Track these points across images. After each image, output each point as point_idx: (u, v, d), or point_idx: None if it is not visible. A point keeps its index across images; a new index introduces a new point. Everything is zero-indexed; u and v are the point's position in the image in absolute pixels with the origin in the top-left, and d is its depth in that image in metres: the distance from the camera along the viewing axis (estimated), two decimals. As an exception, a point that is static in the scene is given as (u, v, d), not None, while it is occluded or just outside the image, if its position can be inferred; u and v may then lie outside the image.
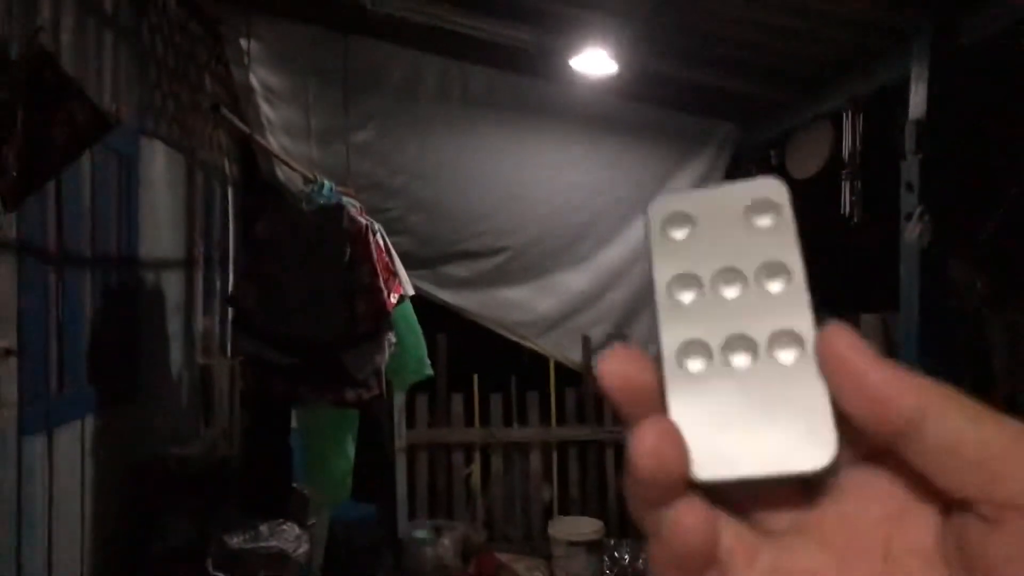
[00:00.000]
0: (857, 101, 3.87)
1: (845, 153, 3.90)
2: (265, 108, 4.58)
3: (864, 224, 3.82)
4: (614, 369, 0.35)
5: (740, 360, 0.35)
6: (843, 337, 0.33)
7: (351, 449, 3.66)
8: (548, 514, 5.39)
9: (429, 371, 4.19)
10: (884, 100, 3.67)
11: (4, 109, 2.26)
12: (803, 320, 0.35)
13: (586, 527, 4.97)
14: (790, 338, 0.34)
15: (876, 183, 3.74)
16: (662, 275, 0.37)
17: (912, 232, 3.30)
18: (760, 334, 0.35)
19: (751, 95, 4.71)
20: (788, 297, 0.36)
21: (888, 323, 3.74)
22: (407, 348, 3.87)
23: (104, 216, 3.21)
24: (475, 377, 5.40)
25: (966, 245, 3.31)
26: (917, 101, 3.34)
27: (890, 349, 3.73)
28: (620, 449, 5.50)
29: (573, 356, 5.48)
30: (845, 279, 4.21)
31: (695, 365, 0.35)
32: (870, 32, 3.60)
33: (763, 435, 0.34)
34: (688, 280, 0.36)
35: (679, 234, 0.37)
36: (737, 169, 5.26)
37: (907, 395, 0.31)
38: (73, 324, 2.97)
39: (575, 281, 5.39)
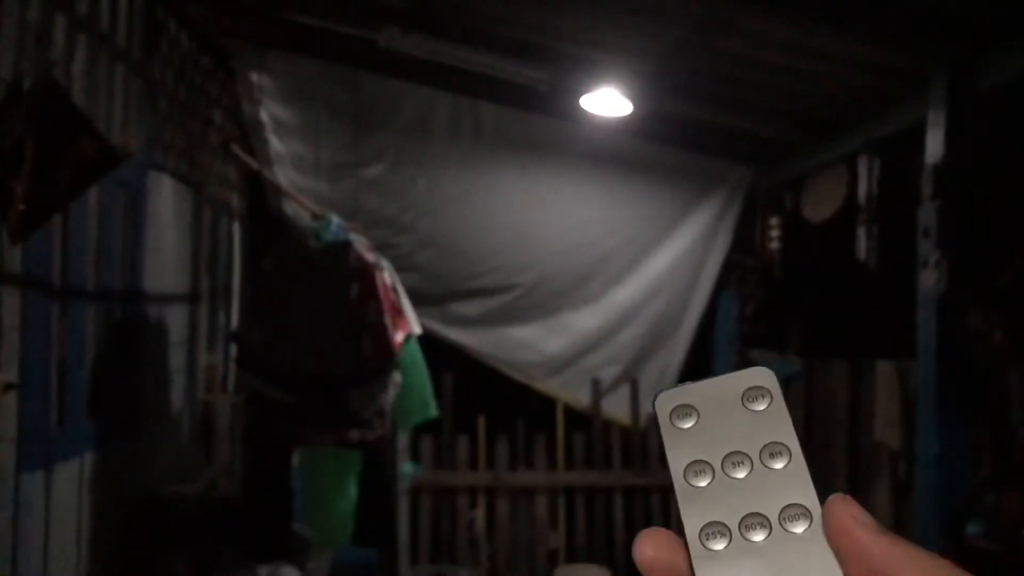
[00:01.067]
0: (873, 145, 3.84)
1: (861, 197, 3.86)
2: (275, 142, 4.58)
3: (880, 269, 3.77)
4: (648, 552, 0.42)
5: (756, 536, 0.39)
6: (845, 509, 0.38)
7: (353, 490, 3.60)
8: (554, 561, 5.29)
9: (434, 412, 4.13)
10: (901, 144, 3.64)
11: (14, 142, 2.23)
12: (807, 493, 0.40)
13: (593, 575, 4.87)
14: (799, 511, 0.39)
15: (893, 228, 3.69)
16: (677, 464, 0.42)
17: (928, 279, 3.24)
18: (771, 510, 0.40)
19: (766, 137, 4.69)
20: (791, 473, 0.41)
21: (905, 371, 3.68)
22: (412, 388, 3.82)
23: (109, 250, 3.18)
24: (481, 418, 5.33)
25: (984, 293, 3.26)
26: (934, 146, 3.31)
27: (906, 397, 3.67)
28: (629, 495, 5.42)
29: (582, 398, 5.42)
30: (861, 325, 4.16)
31: (717, 544, 0.39)
32: (887, 76, 3.57)
33: None
34: (701, 467, 0.41)
35: (686, 424, 0.43)
36: (751, 211, 5.23)
37: (905, 570, 0.36)
38: (75, 358, 2.93)
39: (585, 321, 5.34)
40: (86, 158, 2.43)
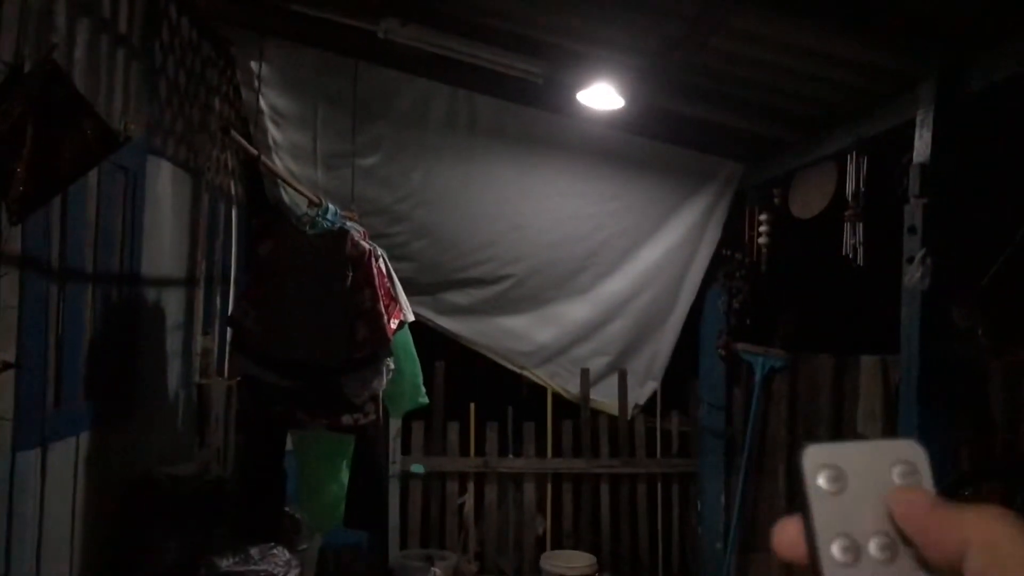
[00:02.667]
0: (862, 143, 3.89)
1: (848, 195, 3.91)
2: (273, 130, 4.61)
3: (866, 266, 3.82)
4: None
5: None
6: (907, 493, 0.41)
7: (345, 475, 3.64)
8: (541, 547, 5.35)
9: (425, 399, 4.17)
10: (889, 143, 3.69)
11: (15, 124, 2.26)
12: None
13: (579, 561, 4.94)
14: None
15: (879, 225, 3.75)
16: (823, 532, 0.41)
17: (913, 275, 3.30)
18: None
19: (756, 134, 4.73)
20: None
21: (888, 366, 3.73)
22: (404, 375, 3.86)
23: (108, 232, 3.22)
24: (472, 406, 5.38)
25: (967, 290, 3.31)
26: (922, 145, 3.36)
27: (889, 392, 3.73)
28: (615, 483, 5.48)
29: (571, 388, 5.47)
30: (847, 320, 4.22)
31: None
32: (877, 76, 3.62)
33: None
34: (847, 542, 0.40)
35: (833, 487, 0.41)
36: (740, 207, 5.28)
37: (954, 531, 0.38)
38: (72, 339, 2.96)
39: (575, 312, 5.39)
40: (86, 141, 2.46)
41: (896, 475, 0.42)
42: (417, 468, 5.21)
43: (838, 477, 0.41)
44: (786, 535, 0.43)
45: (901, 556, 0.40)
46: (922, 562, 0.39)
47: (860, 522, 0.41)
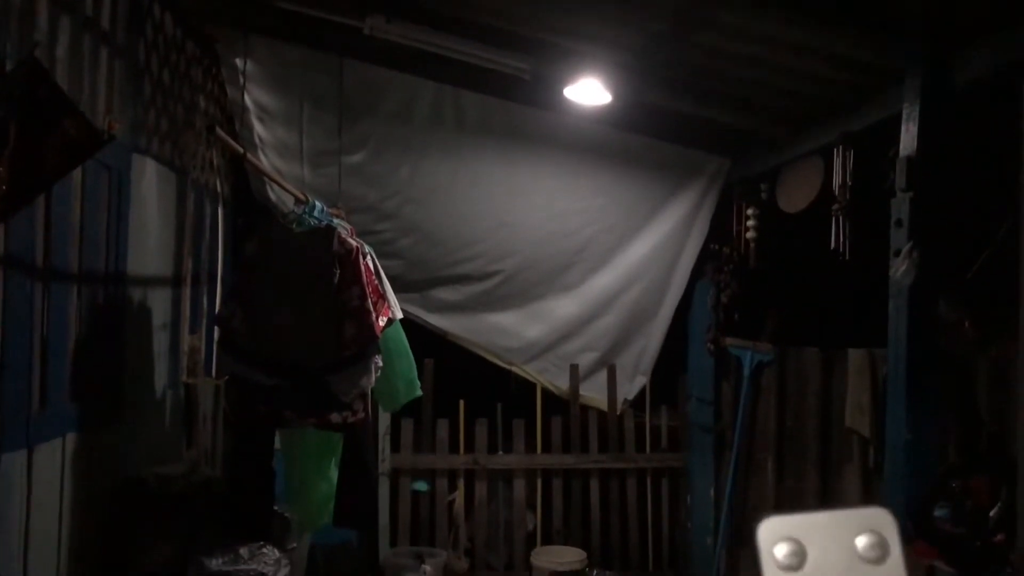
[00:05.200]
0: (848, 138, 3.89)
1: (835, 189, 3.92)
2: (258, 128, 4.59)
3: (853, 260, 3.83)
4: None
5: None
6: None
7: (334, 473, 3.63)
8: (531, 543, 5.35)
9: (419, 392, 4.17)
10: (875, 137, 3.70)
11: (-3, 122, 2.24)
12: None
13: (569, 556, 4.94)
14: None
15: (866, 219, 3.76)
16: None
17: (899, 269, 3.31)
18: None
19: (743, 129, 4.74)
20: None
21: (876, 359, 3.75)
22: (398, 371, 3.86)
23: (93, 232, 3.19)
24: (461, 403, 5.38)
25: (954, 283, 3.32)
26: (908, 139, 3.37)
27: (876, 385, 3.74)
28: (605, 478, 5.49)
29: (560, 383, 5.48)
30: (834, 314, 4.23)
31: None
32: (863, 70, 3.63)
33: None
34: None
35: (791, 562, 0.38)
36: (728, 201, 5.28)
37: None
38: (58, 340, 2.94)
39: (564, 308, 5.39)
40: (69, 140, 2.44)
41: (861, 547, 0.39)
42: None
43: (797, 552, 0.39)
44: None
45: None
46: None
47: None
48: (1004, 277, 2.92)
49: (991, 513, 2.97)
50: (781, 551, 0.39)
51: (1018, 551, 2.71)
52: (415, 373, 4.07)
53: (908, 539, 3.17)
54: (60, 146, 2.43)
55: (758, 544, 0.39)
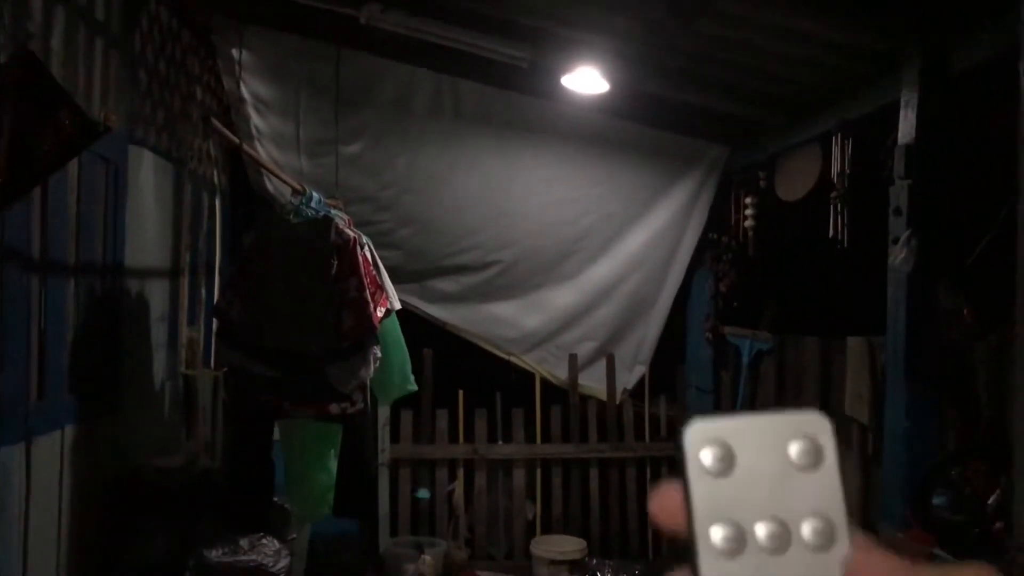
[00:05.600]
0: (847, 125, 3.88)
1: (834, 176, 3.92)
2: (255, 118, 4.57)
3: (852, 247, 3.83)
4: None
5: None
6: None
7: (333, 464, 3.63)
8: (531, 532, 5.36)
9: (413, 386, 4.17)
10: (874, 124, 3.69)
11: (-8, 114, 2.24)
12: None
13: (569, 546, 4.94)
14: None
15: (865, 207, 3.75)
16: (703, 519, 0.36)
17: (897, 256, 3.30)
18: None
19: (741, 117, 4.73)
20: (831, 559, 0.36)
21: (875, 347, 3.75)
22: (392, 363, 3.85)
23: (90, 224, 3.19)
24: (460, 393, 5.37)
25: (953, 271, 3.31)
26: (906, 126, 3.36)
27: (875, 373, 3.74)
28: (604, 467, 5.49)
29: (559, 373, 5.48)
30: (833, 302, 4.22)
31: None
32: (861, 58, 3.62)
33: None
34: (730, 531, 0.36)
35: (718, 467, 0.37)
36: (726, 190, 5.28)
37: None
38: (55, 332, 2.94)
39: (563, 297, 5.39)
40: (65, 131, 2.43)
41: (794, 453, 0.37)
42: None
43: (725, 456, 0.37)
44: (665, 504, 0.38)
45: (794, 545, 0.36)
46: (819, 551, 0.36)
47: (748, 507, 0.36)
48: (1003, 264, 2.91)
49: (989, 500, 2.97)
50: (708, 456, 0.37)
51: (1016, 538, 2.71)
52: (409, 367, 4.06)
53: (906, 526, 3.17)
54: (56, 138, 2.42)
55: (683, 448, 0.37)
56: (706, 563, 0.36)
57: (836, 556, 0.36)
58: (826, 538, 0.36)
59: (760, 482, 0.36)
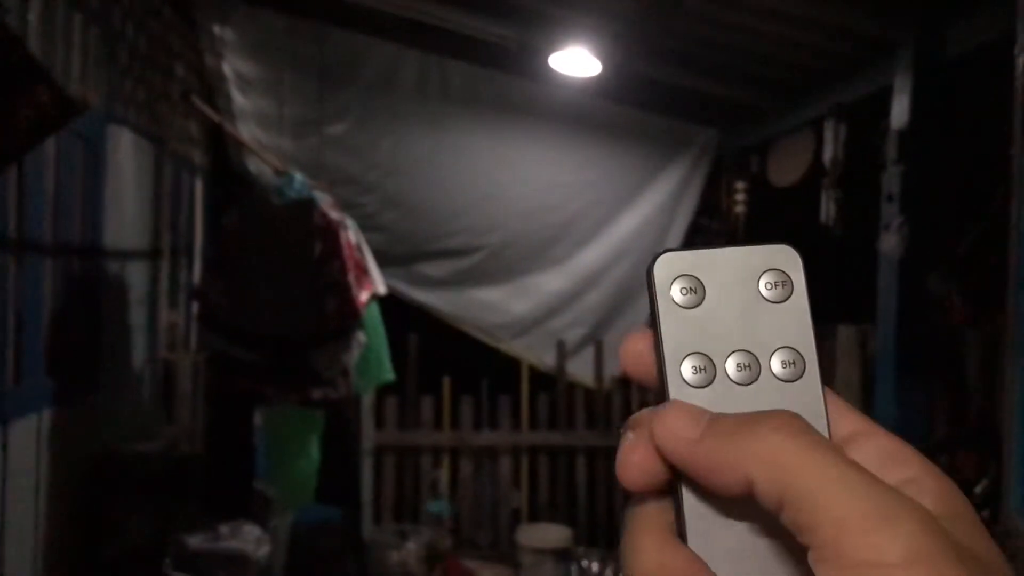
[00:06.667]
0: (840, 110, 3.85)
1: (826, 162, 3.88)
2: (237, 97, 4.50)
3: (845, 234, 3.80)
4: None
5: None
6: (671, 425, 0.34)
7: (316, 450, 3.59)
8: (516, 521, 5.33)
9: (390, 376, 4.12)
10: (868, 109, 3.65)
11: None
12: (816, 415, 0.35)
13: (555, 535, 4.92)
14: None
15: (857, 193, 3.72)
16: (672, 350, 0.36)
17: (888, 242, 3.28)
18: None
19: (733, 100, 4.69)
20: (802, 390, 0.36)
21: (866, 336, 3.72)
22: (370, 350, 3.81)
23: (67, 203, 3.12)
24: (446, 379, 5.34)
25: (945, 258, 3.29)
26: (900, 111, 3.32)
27: (866, 361, 3.72)
28: (591, 456, 5.46)
29: (547, 360, 5.44)
30: (824, 290, 4.19)
31: None
32: (855, 41, 3.58)
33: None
34: (700, 362, 0.36)
35: (687, 301, 0.37)
36: (717, 175, 5.24)
37: (732, 466, 0.33)
38: (32, 313, 2.88)
39: (551, 283, 5.35)
40: (42, 109, 2.36)
41: (763, 285, 0.37)
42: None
43: (695, 288, 0.37)
44: (634, 349, 0.38)
45: (764, 375, 0.36)
46: (787, 382, 0.36)
47: (717, 339, 0.36)
48: (995, 252, 2.89)
49: (976, 489, 2.96)
50: (677, 288, 0.37)
51: (1002, 526, 2.69)
52: (387, 355, 4.01)
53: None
54: (32, 115, 2.35)
55: (652, 281, 0.37)
56: (675, 395, 0.36)
57: (804, 388, 0.36)
58: (795, 369, 0.36)
59: (729, 314, 0.37)
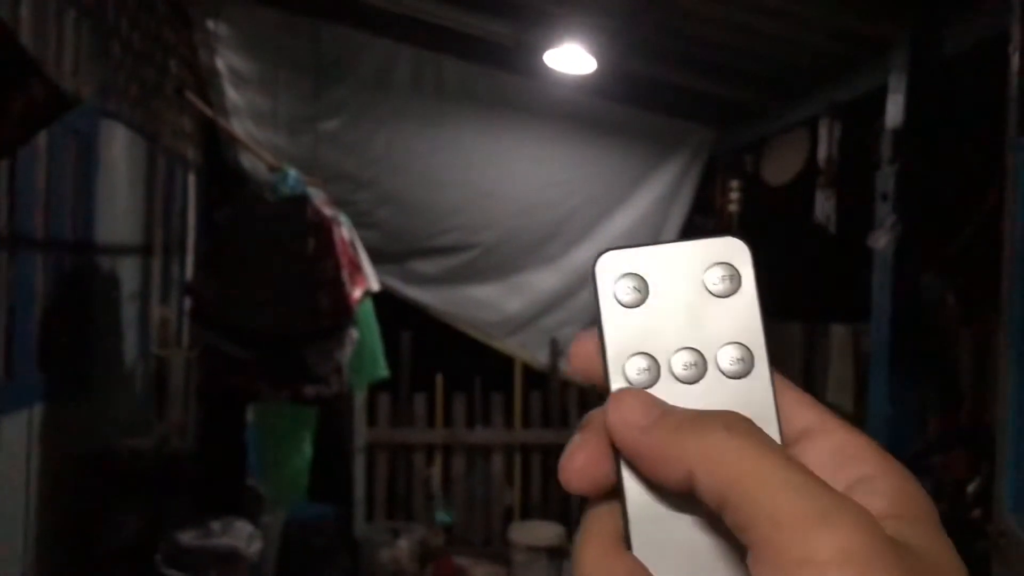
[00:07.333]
0: (835, 108, 3.85)
1: (821, 161, 3.88)
2: (231, 93, 4.49)
3: (838, 233, 3.80)
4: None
5: None
6: (621, 413, 0.34)
7: (308, 447, 3.59)
8: (509, 518, 5.33)
9: (384, 373, 4.11)
10: (863, 108, 3.65)
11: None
12: (766, 410, 0.34)
13: (547, 532, 4.92)
14: None
15: (852, 192, 3.72)
16: (615, 350, 0.36)
17: (879, 240, 3.28)
18: None
19: (728, 99, 4.69)
20: (750, 386, 0.35)
21: (859, 334, 3.73)
22: (364, 347, 3.80)
23: (60, 199, 3.11)
24: (439, 377, 5.33)
25: (939, 257, 3.29)
26: (894, 110, 3.32)
27: (859, 361, 3.72)
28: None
29: (540, 357, 5.43)
30: (818, 289, 4.20)
31: None
32: (850, 40, 3.58)
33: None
34: (644, 362, 0.35)
35: (632, 299, 0.36)
36: (712, 173, 5.24)
37: (675, 459, 0.32)
38: (23, 309, 2.86)
39: (544, 281, 5.34)
40: (35, 103, 2.35)
41: (710, 280, 0.36)
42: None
43: (638, 286, 0.36)
44: (581, 350, 0.37)
45: (711, 372, 0.35)
46: (735, 378, 0.35)
47: (662, 337, 0.35)
48: (988, 251, 2.89)
49: (969, 488, 2.96)
50: (621, 286, 0.36)
51: (994, 525, 2.70)
52: (381, 352, 4.00)
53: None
54: (25, 109, 2.34)
55: (595, 279, 0.36)
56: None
57: (753, 383, 0.35)
58: (743, 365, 0.35)
59: (675, 311, 0.36)
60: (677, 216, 5.35)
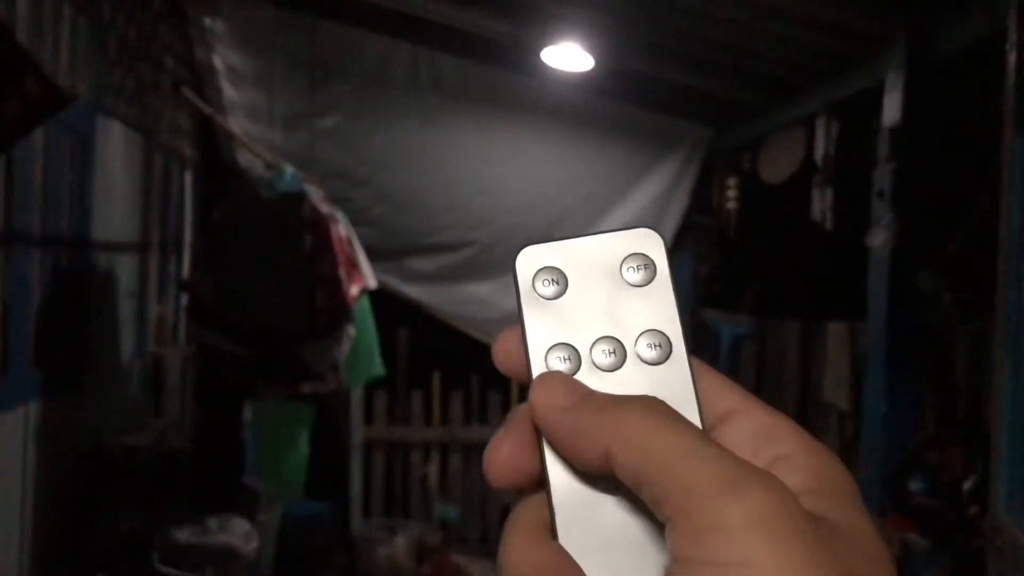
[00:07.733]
0: (832, 107, 3.85)
1: (818, 159, 3.88)
2: (228, 90, 4.48)
3: (835, 231, 3.80)
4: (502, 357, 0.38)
5: None
6: (542, 396, 0.35)
7: (305, 444, 3.59)
8: (505, 516, 5.32)
9: (380, 370, 4.11)
10: (860, 106, 3.65)
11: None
12: (685, 395, 0.35)
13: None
14: None
15: (849, 190, 3.72)
16: (536, 344, 0.36)
17: (875, 238, 3.28)
18: None
19: (726, 97, 4.69)
20: (669, 372, 0.36)
21: (855, 332, 3.73)
22: (360, 345, 3.80)
23: (56, 195, 3.10)
24: (436, 374, 5.33)
25: (935, 255, 3.30)
26: (891, 109, 3.32)
27: (855, 359, 3.73)
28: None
29: (537, 355, 5.43)
30: (815, 287, 4.21)
31: None
32: (847, 38, 3.58)
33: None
34: (564, 352, 0.36)
35: (550, 292, 0.37)
36: (709, 172, 5.24)
37: (593, 440, 0.33)
38: (19, 306, 2.85)
39: (542, 279, 5.34)
40: (31, 99, 2.35)
41: (626, 270, 0.37)
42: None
43: (557, 279, 0.37)
44: (504, 347, 0.38)
45: (630, 359, 0.36)
46: (654, 365, 0.36)
47: (582, 328, 0.36)
48: (985, 249, 2.90)
49: (965, 486, 2.97)
50: (539, 281, 0.37)
51: (989, 522, 2.70)
52: (377, 350, 4.00)
53: (883, 512, 3.16)
54: (20, 106, 2.34)
55: (515, 275, 0.37)
56: None
57: (671, 369, 0.36)
58: (661, 352, 0.36)
59: (593, 302, 0.37)
60: (674, 214, 5.36)
